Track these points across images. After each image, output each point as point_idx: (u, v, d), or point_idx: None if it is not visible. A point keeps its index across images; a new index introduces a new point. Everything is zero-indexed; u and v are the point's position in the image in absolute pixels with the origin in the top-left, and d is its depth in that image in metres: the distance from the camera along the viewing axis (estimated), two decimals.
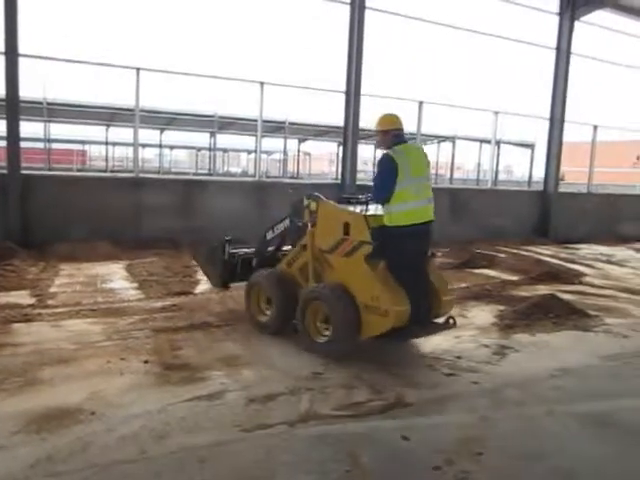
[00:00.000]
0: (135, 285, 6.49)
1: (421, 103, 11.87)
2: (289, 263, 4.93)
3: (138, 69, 8.88)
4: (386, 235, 4.32)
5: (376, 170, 4.80)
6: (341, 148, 11.21)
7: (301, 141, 29.05)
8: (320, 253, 4.60)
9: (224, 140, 28.01)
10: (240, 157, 39.33)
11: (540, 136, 16.27)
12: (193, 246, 5.81)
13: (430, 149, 28.26)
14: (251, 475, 2.76)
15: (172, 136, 28.72)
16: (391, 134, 4.54)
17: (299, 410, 3.42)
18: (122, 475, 2.70)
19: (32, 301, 5.51)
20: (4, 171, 8.03)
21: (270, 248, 5.31)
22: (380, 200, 4.48)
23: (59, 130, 25.70)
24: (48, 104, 19.20)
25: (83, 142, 29.46)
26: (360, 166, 14.02)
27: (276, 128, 23.51)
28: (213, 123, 22.43)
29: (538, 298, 6.14)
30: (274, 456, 2.92)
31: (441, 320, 4.58)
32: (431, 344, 4.78)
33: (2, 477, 2.61)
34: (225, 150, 31.91)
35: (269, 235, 5.27)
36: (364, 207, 4.68)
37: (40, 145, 23.75)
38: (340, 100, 10.86)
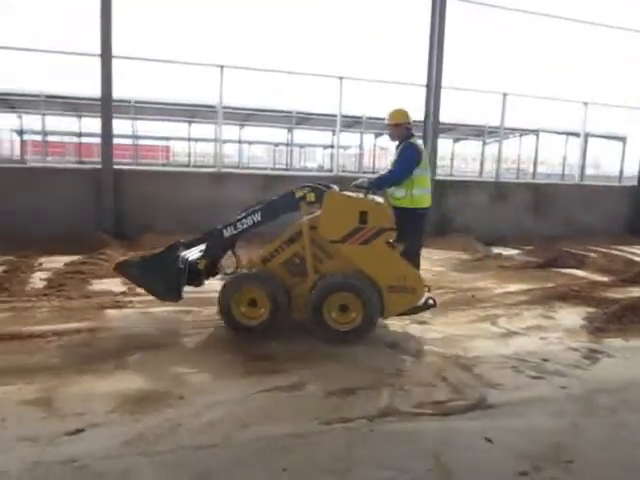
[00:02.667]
0: None
1: (505, 95, 11.44)
2: (265, 259, 4.72)
3: (222, 67, 9.16)
4: (408, 217, 4.86)
5: (399, 156, 5.17)
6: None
7: (377, 136, 28.87)
8: (321, 244, 4.59)
9: (301, 135, 28.39)
10: (316, 152, 39.64)
11: (633, 128, 15.24)
12: (120, 261, 5.16)
13: (512, 142, 27.22)
14: (330, 467, 2.78)
15: (250, 132, 29.41)
16: (404, 127, 5.11)
17: (379, 405, 3.41)
18: (208, 459, 2.80)
19: (123, 289, 5.83)
20: (99, 166, 8.57)
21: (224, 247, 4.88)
22: (399, 182, 5.00)
23: (145, 127, 27.02)
24: (136, 102, 20.24)
25: (167, 138, 30.78)
26: (438, 161, 13.71)
27: (353, 123, 23.50)
28: (291, 119, 22.78)
29: (631, 301, 5.77)
30: (353, 450, 2.93)
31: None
32: (515, 345, 4.62)
33: (99, 452, 2.78)
34: (302, 146, 32.29)
35: (228, 232, 4.77)
36: (366, 193, 4.80)
37: (128, 141, 25.08)
38: (419, 93, 10.69)
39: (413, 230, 4.93)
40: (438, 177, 11.21)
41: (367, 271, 4.51)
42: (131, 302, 5.36)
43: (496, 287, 6.73)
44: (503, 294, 6.38)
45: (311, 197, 4.63)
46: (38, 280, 6.15)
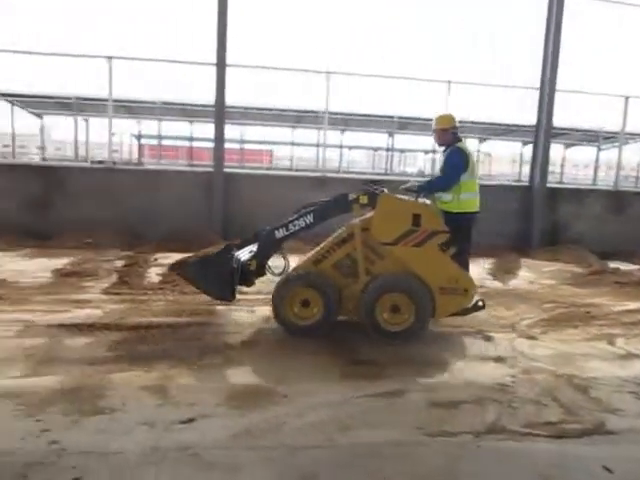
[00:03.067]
0: None
1: (627, 98, 10.63)
2: (317, 261, 4.81)
3: (328, 72, 9.31)
4: (455, 221, 4.90)
5: (446, 161, 5.20)
6: (526, 148, 10.54)
7: (481, 141, 27.92)
8: (373, 246, 4.69)
9: (401, 140, 28.12)
10: (417, 157, 39.10)
11: None
12: (176, 262, 5.14)
13: (632, 148, 25.21)
14: None
15: (351, 136, 29.59)
16: (450, 132, 5.18)
17: (485, 421, 3.28)
18: (311, 459, 2.84)
19: None
20: (210, 169, 9.03)
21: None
22: (447, 187, 5.07)
23: (251, 132, 28.06)
24: (244, 108, 21.11)
25: (271, 143, 31.78)
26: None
27: None
28: (392, 123, 22.65)
29: None
30: (458, 465, 2.84)
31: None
32: (635, 368, 4.27)
33: (209, 442, 2.92)
34: (402, 150, 31.99)
35: (280, 234, 4.83)
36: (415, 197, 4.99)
37: (235, 146, 26.19)
38: (529, 96, 10.21)
39: (461, 234, 4.98)
40: (549, 184, 10.61)
41: (419, 272, 4.60)
42: (238, 300, 5.57)
43: (613, 304, 6.25)
44: (621, 312, 5.90)
45: (364, 200, 4.71)
46: (154, 275, 6.59)
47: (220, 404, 3.37)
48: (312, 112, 19.30)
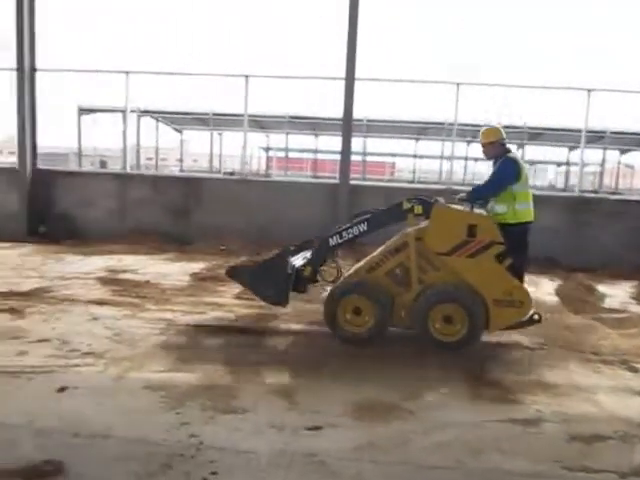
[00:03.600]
0: None
1: None
2: (371, 268, 4.81)
3: (458, 84, 9.12)
4: (511, 233, 4.71)
5: (498, 170, 5.02)
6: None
7: (623, 152, 25.66)
8: (428, 256, 4.66)
9: (531, 151, 26.73)
10: (548, 170, 36.89)
11: None
12: (231, 267, 5.35)
13: None
14: None
15: (476, 148, 28.67)
16: (498, 144, 5.04)
17: (632, 462, 2.97)
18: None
19: None
20: (335, 181, 9.22)
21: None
22: (491, 194, 4.92)
23: (372, 144, 28.28)
24: (367, 121, 21.32)
25: (393, 155, 31.74)
26: None
27: (594, 138, 21.30)
28: (522, 134, 21.59)
29: None
30: None
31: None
32: None
33: (334, 452, 2.93)
34: (532, 162, 30.36)
35: (334, 241, 4.90)
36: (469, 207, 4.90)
37: (357, 158, 26.52)
38: None
39: (517, 245, 4.80)
40: None
41: (473, 284, 4.56)
42: None
43: None
44: None
45: (419, 210, 4.73)
46: None
47: (345, 414, 3.40)
48: (437, 124, 18.97)
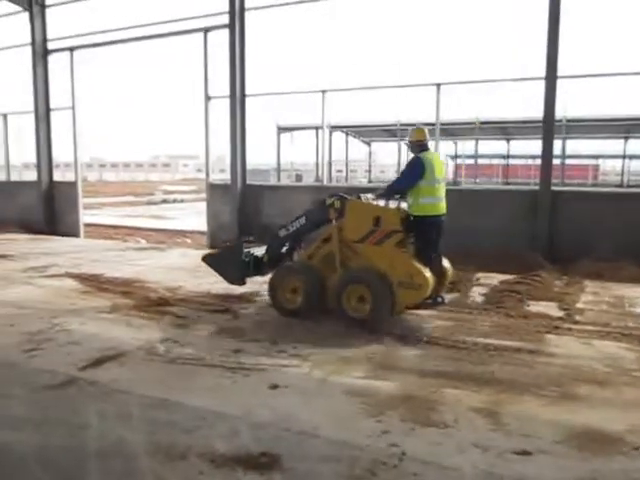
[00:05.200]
0: None
1: None
2: (310, 256, 5.70)
3: None
4: (414, 224, 5.33)
5: (405, 167, 5.68)
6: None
7: None
8: (348, 243, 5.43)
9: None
10: None
11: None
12: (205, 253, 6.71)
13: None
14: None
15: None
16: (416, 144, 5.55)
17: None
18: None
19: (560, 314, 5.65)
20: (536, 187, 8.59)
21: (285, 246, 5.98)
22: (401, 190, 5.51)
23: (573, 145, 25.97)
24: (567, 121, 19.64)
25: (597, 156, 28.80)
26: None
27: None
28: None
29: None
30: None
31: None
32: None
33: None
34: None
35: (282, 233, 5.86)
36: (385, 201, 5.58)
37: (555, 161, 24.58)
38: None
39: (422, 235, 5.36)
40: None
41: (381, 268, 5.18)
42: (570, 329, 5.13)
43: None
44: None
45: (337, 204, 5.49)
46: (477, 294, 6.59)
47: (559, 442, 3.11)
48: None
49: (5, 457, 3.00)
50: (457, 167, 28.99)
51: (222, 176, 15.82)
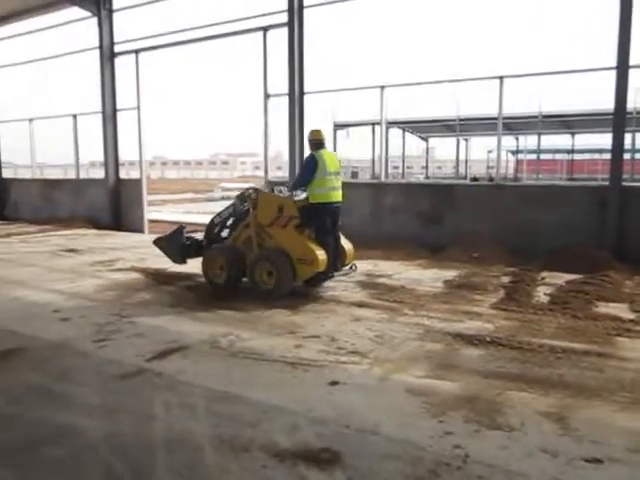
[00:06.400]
0: None
1: None
2: (235, 239, 6.81)
3: None
4: (310, 210, 6.37)
5: (302, 164, 7.03)
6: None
7: None
8: (261, 227, 6.49)
9: None
10: None
11: None
12: (156, 237, 7.89)
13: None
14: None
15: None
16: (314, 142, 6.57)
17: None
18: None
19: (632, 316, 5.37)
20: (606, 183, 8.21)
21: (217, 230, 7.07)
22: (302, 184, 6.50)
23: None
24: (638, 113, 18.62)
25: None
26: None
27: None
28: None
29: None
30: None
31: (346, 268, 6.78)
32: None
33: None
34: None
35: (216, 220, 7.06)
36: (290, 193, 6.62)
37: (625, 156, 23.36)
38: None
39: (315, 221, 6.40)
40: None
41: (284, 247, 6.28)
42: (629, 330, 4.88)
43: None
44: None
45: (253, 195, 6.60)
46: (542, 294, 6.35)
47: (632, 450, 2.96)
48: None
49: (78, 440, 3.15)
50: (518, 163, 28.11)
51: (279, 173, 15.98)
